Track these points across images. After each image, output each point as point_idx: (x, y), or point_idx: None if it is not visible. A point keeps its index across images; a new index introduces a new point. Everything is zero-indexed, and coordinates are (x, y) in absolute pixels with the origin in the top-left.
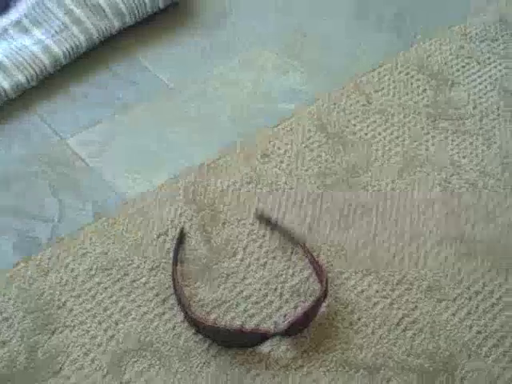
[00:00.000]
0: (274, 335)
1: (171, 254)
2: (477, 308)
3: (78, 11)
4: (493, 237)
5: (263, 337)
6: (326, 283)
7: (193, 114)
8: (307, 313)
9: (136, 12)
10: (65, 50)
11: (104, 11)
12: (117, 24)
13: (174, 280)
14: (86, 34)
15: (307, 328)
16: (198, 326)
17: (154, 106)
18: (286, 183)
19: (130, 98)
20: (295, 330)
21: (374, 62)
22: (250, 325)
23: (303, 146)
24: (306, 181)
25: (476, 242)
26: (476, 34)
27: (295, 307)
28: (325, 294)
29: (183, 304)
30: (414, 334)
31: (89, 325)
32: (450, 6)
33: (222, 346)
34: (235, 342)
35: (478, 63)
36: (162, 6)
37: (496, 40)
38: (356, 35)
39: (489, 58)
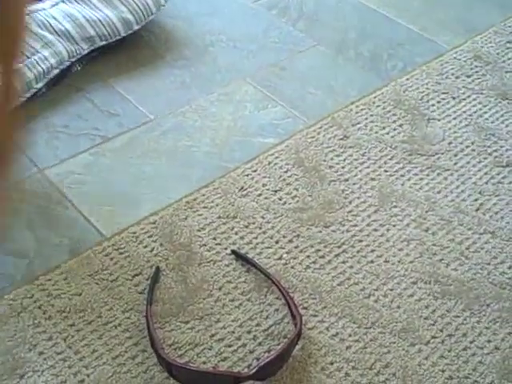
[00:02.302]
0: (246, 378)
1: (145, 295)
2: (449, 352)
3: (48, 36)
4: (466, 277)
5: (235, 380)
6: (300, 325)
7: (171, 148)
8: (280, 355)
9: (108, 36)
10: (36, 72)
11: (73, 37)
12: (85, 47)
13: (147, 321)
14: (56, 56)
15: (281, 371)
16: (171, 369)
17: (134, 138)
18: (263, 217)
19: (110, 129)
20: (268, 372)
21: (352, 96)
22: (223, 368)
23: (281, 179)
24: (283, 215)
25: (450, 282)
26: (451, 70)
27: (269, 350)
28: (298, 337)
29: (156, 346)
30: (387, 379)
31: (58, 369)
32: (426, 43)
33: None
34: None
35: (454, 99)
36: (136, 28)
37: (471, 76)
38: (334, 70)
39: (464, 94)
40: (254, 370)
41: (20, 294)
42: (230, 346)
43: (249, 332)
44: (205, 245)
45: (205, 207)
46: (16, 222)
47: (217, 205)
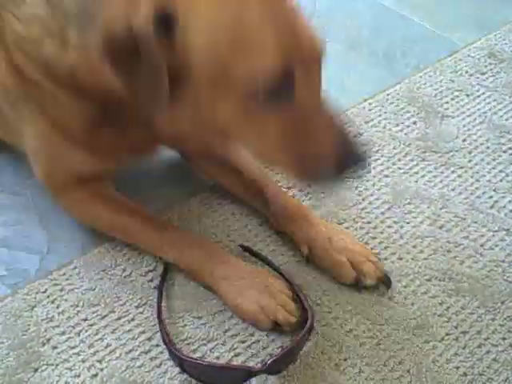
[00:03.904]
0: (258, 372)
1: None
2: (464, 349)
3: None
4: (481, 275)
5: (248, 374)
6: (312, 320)
7: None
8: (291, 349)
9: None
10: None
11: None
12: None
13: (158, 317)
14: None
15: (294, 367)
16: (183, 364)
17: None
18: None
19: None
20: (280, 367)
21: (365, 93)
22: (237, 363)
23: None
24: None
25: (464, 279)
26: (465, 67)
27: (282, 346)
28: (310, 331)
29: (168, 341)
30: (401, 376)
31: (72, 363)
32: (439, 40)
33: None
34: (220, 379)
35: (468, 96)
36: None
37: (485, 73)
38: (347, 67)
39: (478, 91)
40: (266, 365)
41: (34, 289)
42: (243, 342)
43: None
44: (219, 241)
45: (219, 204)
46: (29, 218)
47: (231, 202)
